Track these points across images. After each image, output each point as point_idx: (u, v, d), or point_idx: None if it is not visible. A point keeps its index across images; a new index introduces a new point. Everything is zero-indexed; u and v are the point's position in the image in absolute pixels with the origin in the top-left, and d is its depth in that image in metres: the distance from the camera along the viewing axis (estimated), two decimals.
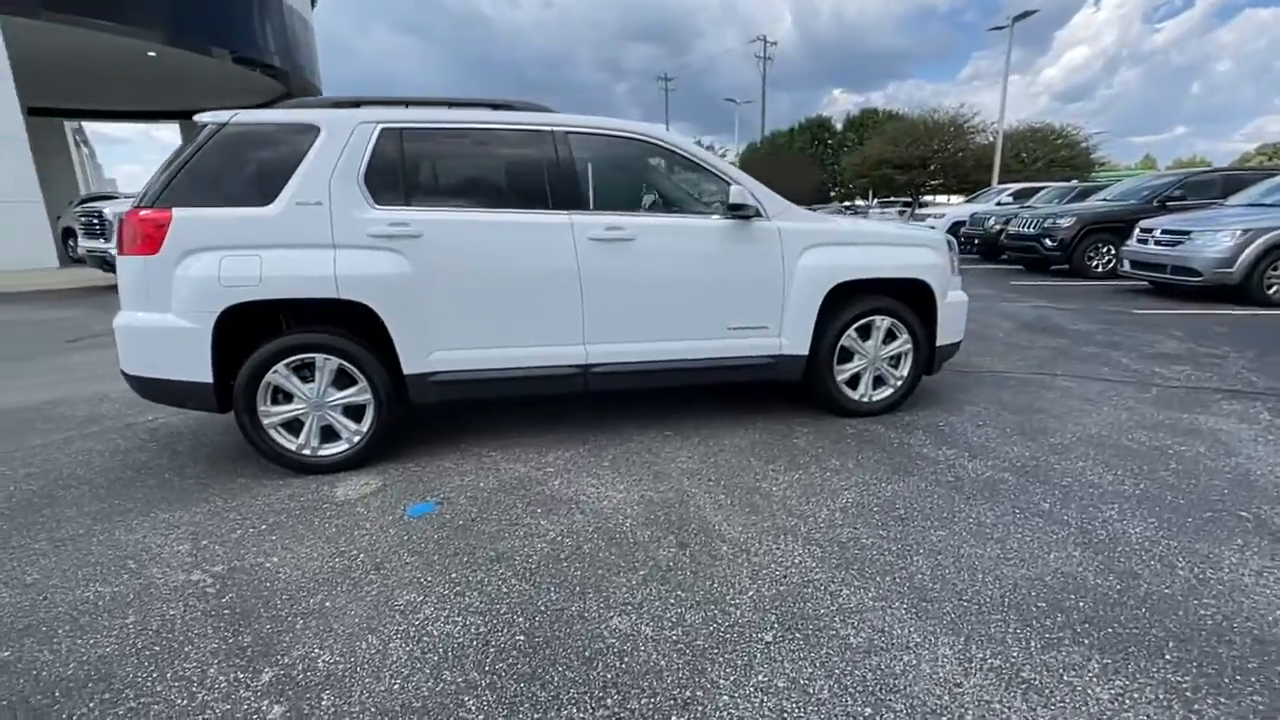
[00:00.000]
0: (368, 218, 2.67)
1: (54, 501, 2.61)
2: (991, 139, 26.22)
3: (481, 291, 2.81)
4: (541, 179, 2.89)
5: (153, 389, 2.70)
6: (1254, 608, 1.79)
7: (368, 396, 2.79)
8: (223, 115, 2.67)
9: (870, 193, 35.06)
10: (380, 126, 2.74)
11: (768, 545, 2.18)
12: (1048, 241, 9.58)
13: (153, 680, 1.59)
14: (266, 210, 2.60)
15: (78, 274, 11.19)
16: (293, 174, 2.63)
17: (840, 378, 3.34)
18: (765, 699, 1.51)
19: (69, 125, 23.53)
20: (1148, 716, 1.43)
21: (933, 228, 13.40)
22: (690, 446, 3.08)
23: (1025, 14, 21.37)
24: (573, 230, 2.86)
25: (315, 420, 2.77)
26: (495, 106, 3.00)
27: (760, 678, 1.57)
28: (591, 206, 2.99)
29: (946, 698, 1.50)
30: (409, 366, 2.77)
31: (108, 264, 8.61)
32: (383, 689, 1.56)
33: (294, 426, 2.77)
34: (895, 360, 3.42)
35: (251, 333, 2.71)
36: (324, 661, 1.65)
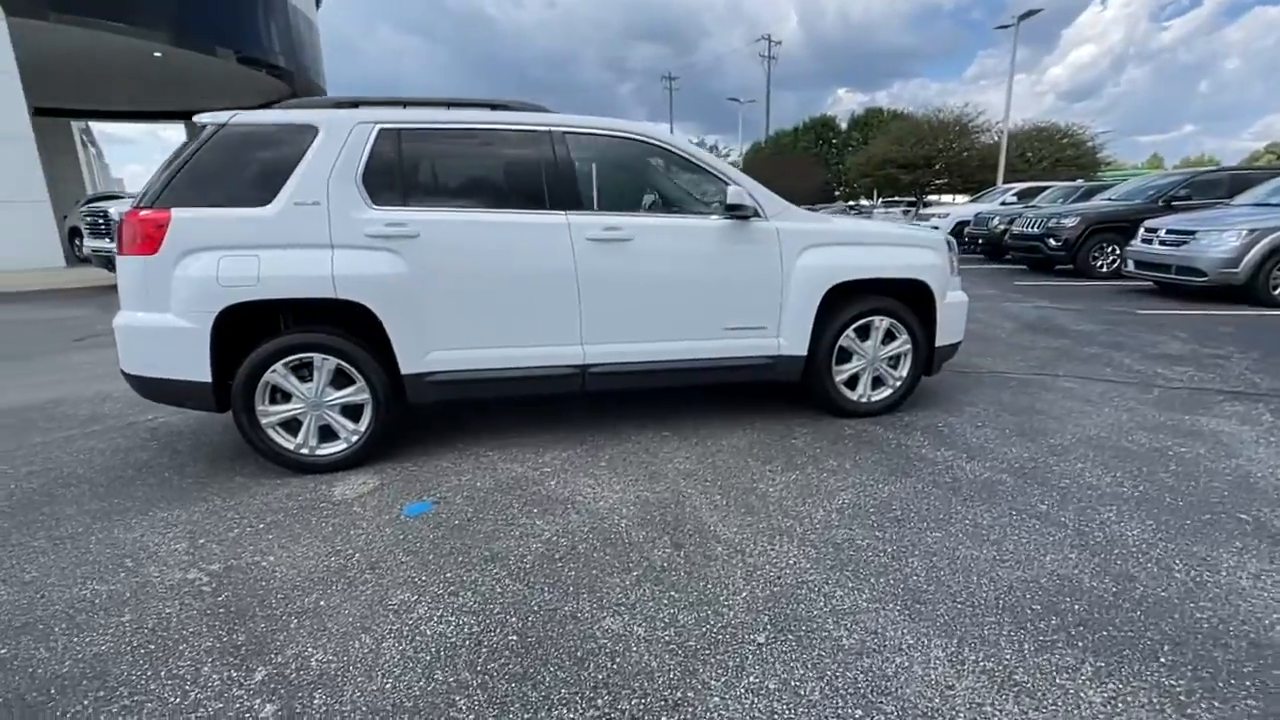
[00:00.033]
0: (365, 218, 2.68)
1: (54, 499, 2.63)
2: (997, 138, 26.11)
3: (479, 292, 2.81)
4: (539, 179, 2.90)
5: (152, 388, 2.71)
6: (1250, 611, 1.78)
7: (365, 396, 2.80)
8: (222, 116, 2.68)
9: (875, 192, 34.95)
10: (378, 127, 2.75)
11: (763, 546, 2.18)
12: (1052, 241, 9.53)
13: (147, 678, 1.60)
14: (265, 210, 2.61)
15: (84, 273, 11.26)
16: (291, 174, 2.64)
17: (839, 378, 3.34)
18: (756, 700, 1.51)
19: (76, 125, 23.70)
20: None
21: (936, 227, 13.37)
22: (688, 447, 3.08)
23: (1030, 12, 21.26)
24: (570, 230, 2.86)
25: (313, 420, 2.78)
26: (493, 107, 3.00)
27: (751, 679, 1.57)
28: (589, 207, 2.99)
29: (938, 700, 1.49)
30: (406, 366, 2.78)
31: (112, 263, 8.64)
32: (374, 688, 1.56)
33: (292, 426, 2.78)
34: (894, 361, 3.41)
35: (250, 332, 2.72)
36: (317, 660, 1.66)
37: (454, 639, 1.74)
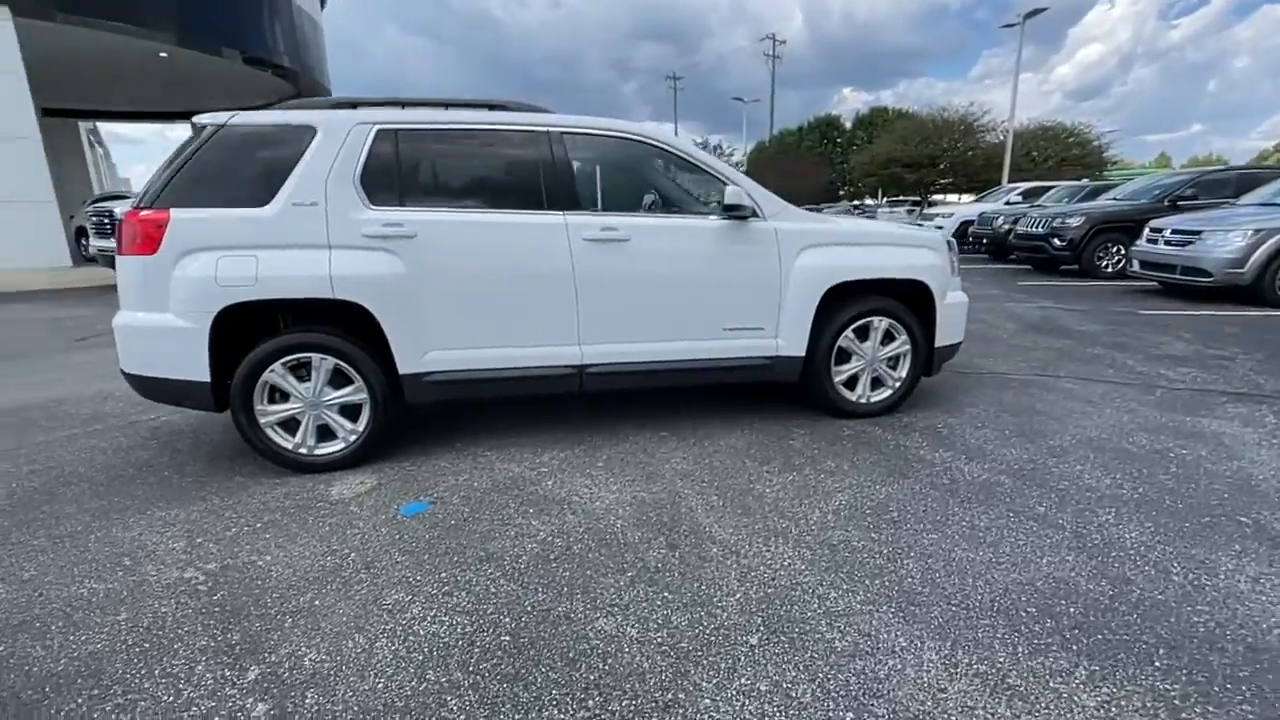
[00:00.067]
0: (363, 218, 2.69)
1: (54, 498, 2.65)
2: (1002, 137, 25.99)
3: (476, 292, 2.82)
4: (537, 179, 2.90)
5: (151, 388, 2.73)
6: (1248, 615, 1.76)
7: (363, 396, 2.80)
8: (220, 116, 2.69)
9: (880, 192, 34.85)
10: (376, 127, 2.75)
11: (758, 547, 2.17)
12: (1056, 241, 9.48)
13: (141, 677, 1.61)
14: (263, 211, 2.62)
15: (90, 273, 11.34)
16: (289, 175, 2.65)
17: (838, 379, 3.33)
18: (747, 702, 1.50)
19: (83, 126, 23.81)
20: None
21: (940, 227, 13.32)
22: (685, 447, 3.08)
23: (1036, 11, 21.14)
24: (567, 231, 2.86)
25: (311, 419, 2.79)
26: (491, 107, 3.00)
27: (743, 681, 1.57)
28: (586, 207, 2.98)
29: (930, 703, 1.49)
30: (404, 366, 2.79)
31: None
32: (366, 688, 1.57)
33: (290, 425, 2.79)
34: (894, 361, 3.40)
35: (249, 332, 2.73)
36: (310, 660, 1.66)
37: (447, 639, 1.74)
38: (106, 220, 9.12)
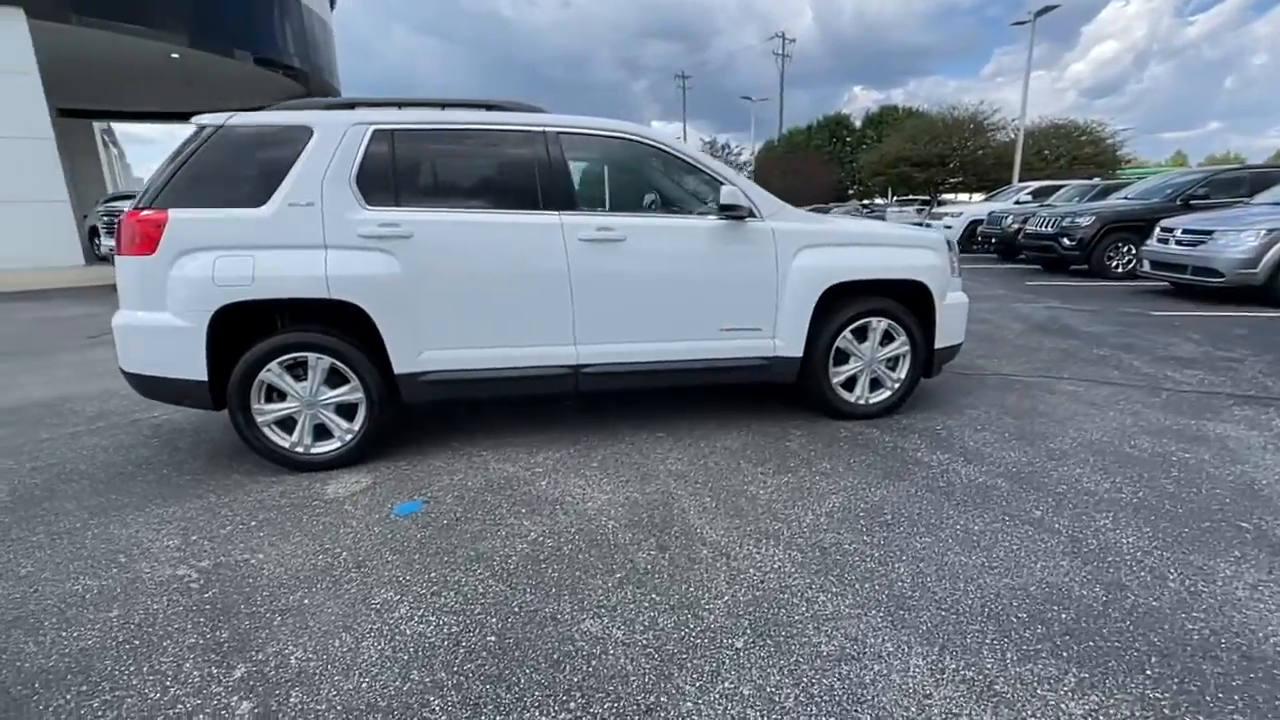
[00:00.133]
0: (359, 218, 2.70)
1: (55, 495, 2.68)
2: (1013, 136, 25.73)
3: (472, 292, 2.82)
4: (532, 179, 2.90)
5: (150, 387, 2.76)
6: (1244, 623, 1.73)
7: (359, 395, 2.82)
8: (219, 117, 2.71)
9: (890, 191, 34.62)
10: (372, 128, 2.76)
11: (748, 549, 2.16)
12: (1066, 241, 9.37)
13: (129, 674, 1.62)
14: (260, 211, 2.64)
15: (103, 271, 11.47)
16: (286, 175, 2.67)
17: (836, 380, 3.30)
18: (729, 706, 1.49)
19: (98, 126, 24.12)
20: None
21: (949, 226, 13.17)
22: (681, 448, 3.07)
23: (1047, 8, 20.90)
24: (563, 231, 2.86)
25: (308, 418, 2.80)
26: (488, 107, 3.01)
27: (726, 684, 1.56)
28: (582, 206, 2.98)
29: (914, 709, 1.47)
30: (400, 366, 2.80)
31: None
32: (350, 687, 1.57)
33: (287, 424, 2.81)
34: (892, 363, 3.37)
35: (247, 332, 2.75)
36: (296, 659, 1.67)
37: (433, 639, 1.74)
38: (116, 220, 9.22)
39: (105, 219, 9.78)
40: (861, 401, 3.36)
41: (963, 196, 29.65)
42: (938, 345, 3.36)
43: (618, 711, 1.48)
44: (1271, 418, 3.28)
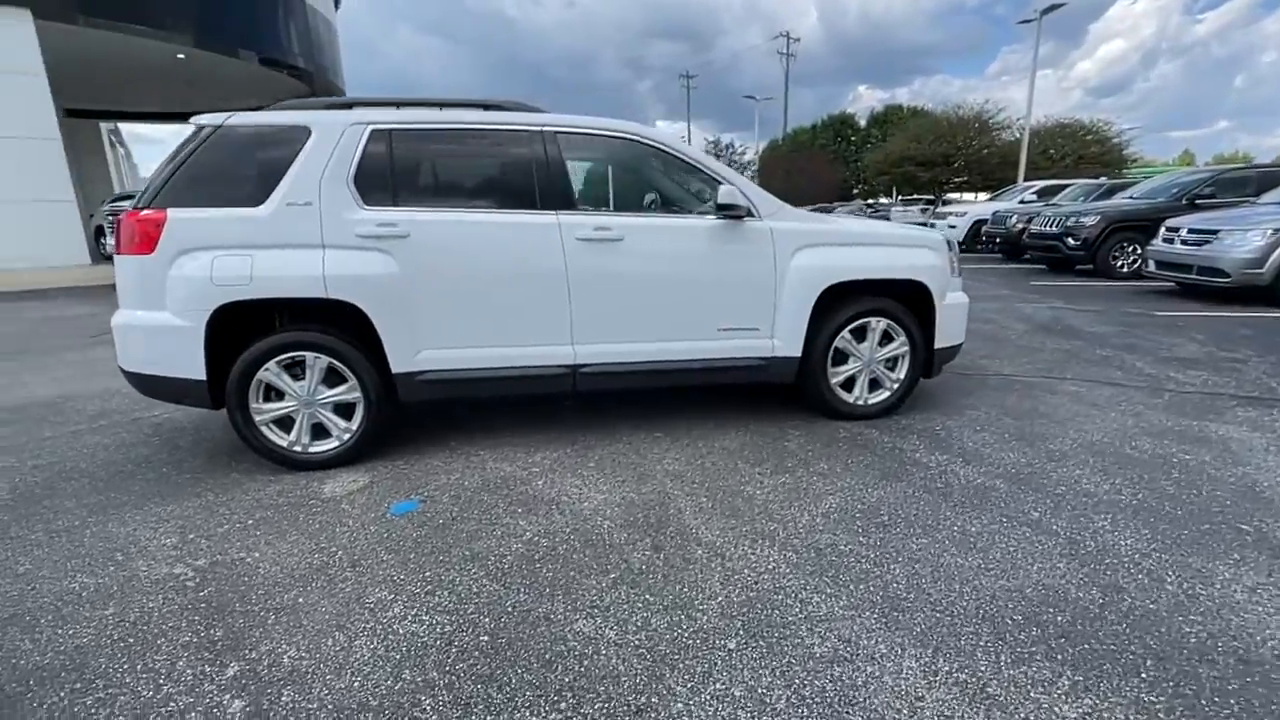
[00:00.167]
0: (356, 218, 2.70)
1: (55, 493, 2.70)
2: (1018, 135, 25.61)
3: (469, 291, 2.82)
4: (530, 179, 2.90)
5: (149, 385, 2.77)
6: (1242, 626, 1.72)
7: (357, 395, 2.82)
8: (217, 117, 2.72)
9: (894, 191, 34.52)
10: (370, 128, 2.77)
11: (743, 550, 2.16)
12: (1070, 241, 9.32)
13: (123, 671, 1.63)
14: (258, 211, 2.65)
15: (108, 271, 11.45)
16: (284, 175, 2.68)
17: (834, 380, 3.29)
18: (720, 707, 1.49)
19: (105, 126, 24.26)
20: None
21: (954, 226, 13.10)
22: (679, 448, 3.06)
23: (1053, 6, 20.78)
24: (560, 230, 2.86)
25: (306, 417, 2.81)
26: (486, 107, 3.01)
27: (718, 686, 1.55)
28: (579, 206, 2.98)
29: (906, 711, 1.46)
30: (397, 365, 2.80)
31: None
32: (342, 686, 1.57)
33: (285, 423, 2.81)
34: (892, 363, 3.36)
35: (245, 331, 2.76)
36: (289, 657, 1.68)
37: (426, 638, 1.74)
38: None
39: (110, 219, 9.84)
40: (860, 402, 3.35)
41: (968, 196, 29.55)
42: (937, 345, 3.34)
43: (608, 712, 1.48)
44: (1275, 419, 3.25)
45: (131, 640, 1.75)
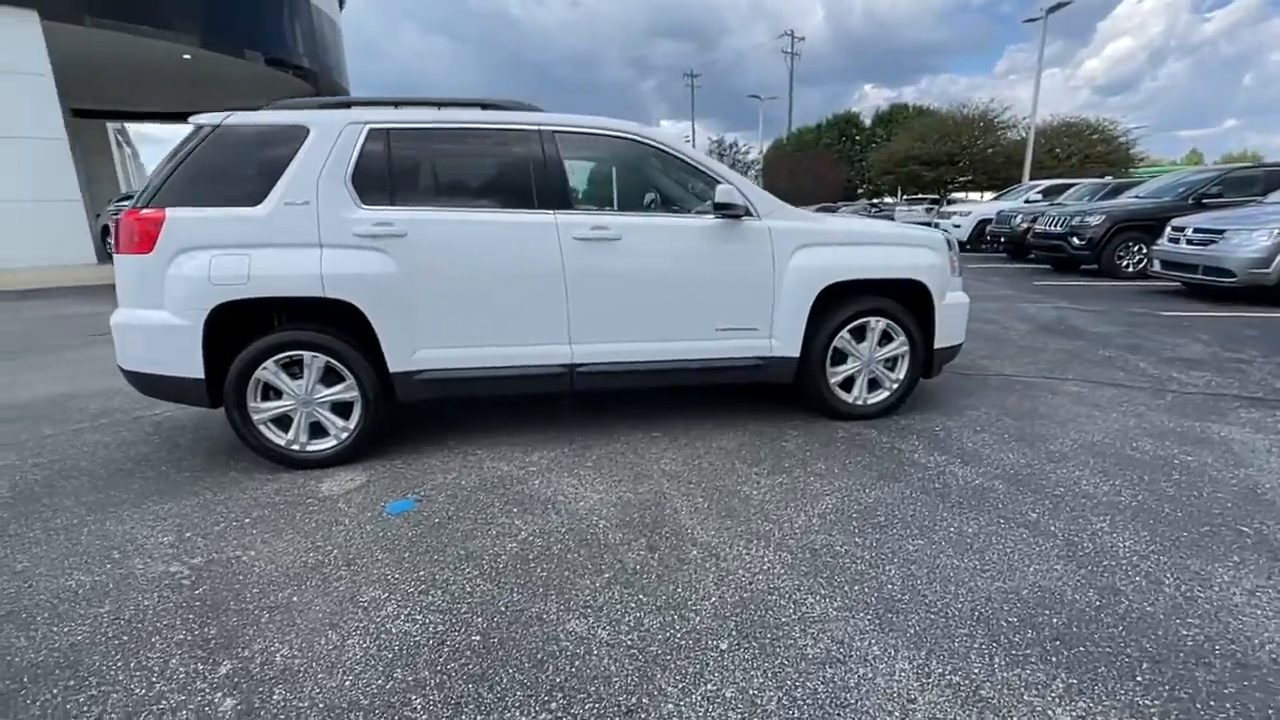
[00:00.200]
0: (354, 217, 2.70)
1: (54, 491, 2.71)
2: (1024, 134, 25.47)
3: (466, 291, 2.82)
4: (527, 178, 2.90)
5: (148, 384, 2.78)
6: (1240, 629, 1.70)
7: (355, 394, 2.83)
8: (216, 116, 2.73)
9: (899, 190, 34.41)
10: (367, 127, 2.77)
11: (738, 550, 2.15)
12: (1075, 240, 9.27)
13: (116, 669, 1.63)
14: (256, 210, 2.65)
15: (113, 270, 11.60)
16: (282, 174, 2.68)
17: (833, 380, 3.28)
18: (710, 708, 1.48)
19: (111, 126, 24.39)
20: None
21: (958, 225, 13.04)
22: (676, 448, 3.05)
23: (1059, 5, 20.65)
24: (558, 230, 2.86)
25: (304, 416, 2.82)
26: (484, 106, 3.01)
27: (709, 687, 1.55)
28: (577, 206, 2.98)
29: (898, 713, 1.45)
30: (394, 364, 2.81)
31: None
32: (334, 685, 1.58)
33: (283, 422, 2.82)
34: (891, 363, 3.34)
35: (244, 330, 2.77)
36: (282, 656, 1.68)
37: (418, 638, 1.74)
38: None
39: (115, 218, 9.88)
40: (859, 402, 3.34)
41: (974, 195, 29.42)
42: (937, 345, 3.33)
43: (598, 712, 1.48)
44: (1278, 420, 3.22)
45: (126, 638, 1.76)
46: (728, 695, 1.52)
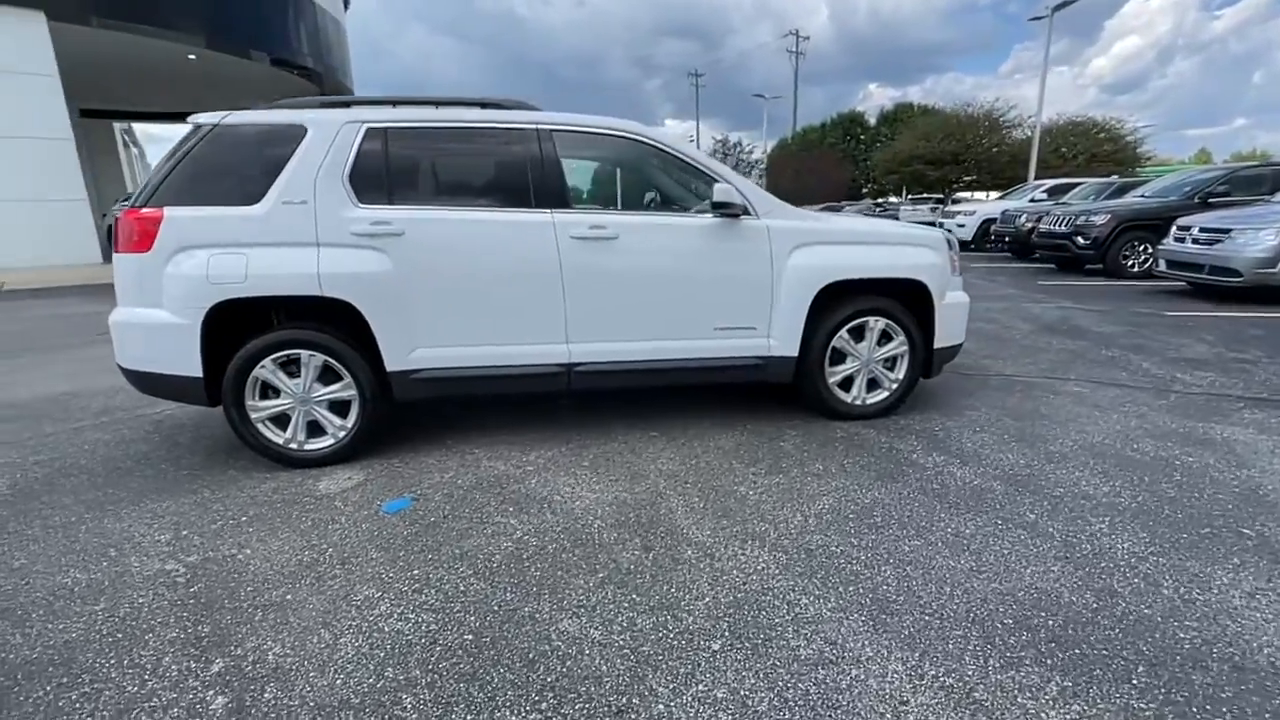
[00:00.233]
0: (351, 216, 2.71)
1: (54, 489, 2.72)
2: (1029, 133, 25.33)
3: (463, 290, 2.82)
4: (525, 177, 2.89)
5: (147, 383, 2.79)
6: (1238, 632, 1.68)
7: (352, 393, 2.83)
8: (214, 116, 2.74)
9: (903, 189, 34.28)
10: (365, 126, 2.77)
11: (733, 550, 2.14)
12: (1080, 240, 9.21)
13: (109, 667, 1.64)
14: (254, 209, 2.66)
15: None
16: (280, 173, 2.69)
17: (832, 380, 3.27)
18: (701, 709, 1.48)
19: (118, 126, 24.55)
20: None
21: (962, 225, 12.98)
22: (674, 448, 3.05)
23: (1064, 3, 20.52)
24: (555, 229, 2.85)
25: (301, 415, 2.82)
26: (483, 105, 3.01)
27: (700, 687, 1.54)
28: (575, 205, 2.97)
29: (890, 715, 1.44)
30: (392, 363, 2.81)
31: None
32: (325, 684, 1.58)
33: (281, 421, 2.83)
34: (890, 363, 3.33)
35: (242, 329, 2.78)
36: (274, 654, 1.68)
37: (411, 636, 1.74)
38: None
39: None
40: (858, 402, 3.32)
41: (979, 195, 29.27)
42: (937, 345, 3.31)
43: (589, 712, 1.47)
44: None
45: (120, 636, 1.76)
46: (719, 696, 1.51)
